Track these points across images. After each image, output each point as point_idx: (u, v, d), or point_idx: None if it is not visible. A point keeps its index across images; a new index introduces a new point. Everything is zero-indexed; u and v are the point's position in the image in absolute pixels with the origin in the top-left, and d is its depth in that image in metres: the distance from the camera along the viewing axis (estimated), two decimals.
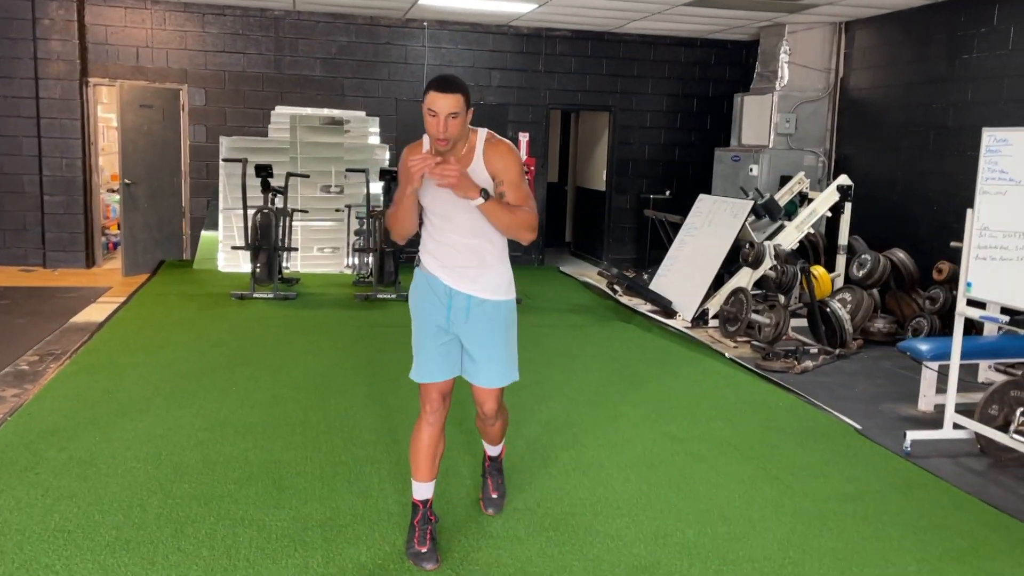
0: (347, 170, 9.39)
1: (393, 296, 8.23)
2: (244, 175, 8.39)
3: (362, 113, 10.15)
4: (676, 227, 8.87)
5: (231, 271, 9.49)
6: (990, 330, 5.66)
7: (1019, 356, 5.22)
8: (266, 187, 8.15)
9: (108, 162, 10.90)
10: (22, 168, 9.39)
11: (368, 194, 8.93)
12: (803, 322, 7.22)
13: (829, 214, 7.66)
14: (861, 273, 7.17)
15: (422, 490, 3.23)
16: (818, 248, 8.31)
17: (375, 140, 10.16)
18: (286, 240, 8.43)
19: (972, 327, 4.75)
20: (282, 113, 9.94)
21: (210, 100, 9.92)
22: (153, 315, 7.27)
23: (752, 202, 7.87)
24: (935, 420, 5.04)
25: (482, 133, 3.06)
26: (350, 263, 9.82)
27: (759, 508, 3.80)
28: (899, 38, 8.44)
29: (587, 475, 4.10)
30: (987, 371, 5.80)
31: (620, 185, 11.16)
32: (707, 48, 11.02)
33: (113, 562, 3.09)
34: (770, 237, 7.64)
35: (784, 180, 8.73)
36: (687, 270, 8.09)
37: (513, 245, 3.21)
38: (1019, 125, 5.00)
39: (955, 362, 4.67)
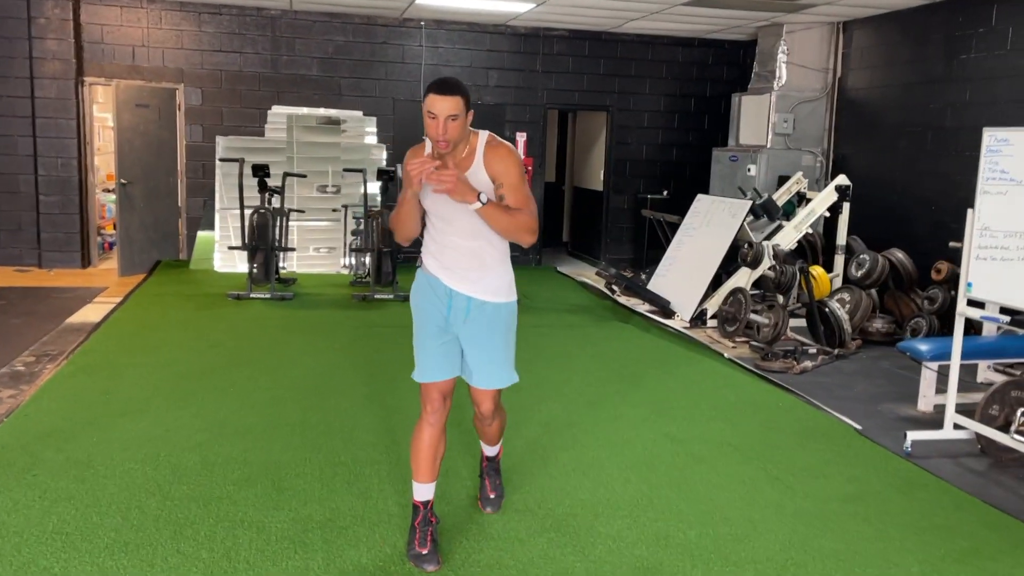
0: (344, 170, 9.36)
1: (391, 296, 8.21)
2: (241, 175, 8.36)
3: (359, 113, 10.13)
4: (674, 227, 8.86)
5: (227, 271, 9.45)
6: (989, 330, 5.66)
7: (1018, 356, 5.22)
8: (263, 187, 8.13)
9: (104, 162, 10.86)
10: (17, 168, 9.35)
11: (366, 194, 8.91)
12: (802, 322, 7.22)
13: (827, 214, 7.66)
14: (860, 273, 7.17)
15: (423, 491, 3.22)
16: (816, 248, 8.31)
17: (372, 140, 10.14)
18: (283, 240, 8.41)
19: (971, 327, 4.74)
20: (279, 113, 9.91)
21: (206, 100, 9.89)
22: (150, 315, 7.24)
23: (750, 202, 7.87)
24: (935, 420, 5.04)
25: (483, 135, 3.06)
26: (347, 263, 9.79)
27: (760, 509, 3.79)
28: (897, 38, 8.45)
29: (587, 476, 4.09)
30: (986, 371, 5.80)
31: (618, 185, 11.15)
32: (705, 48, 11.02)
33: (112, 564, 3.07)
34: (768, 237, 7.64)
35: (782, 180, 8.73)
36: (685, 270, 8.08)
37: (511, 245, 3.20)
38: (1017, 125, 5.00)
39: (955, 362, 4.66)
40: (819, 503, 3.88)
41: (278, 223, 8.24)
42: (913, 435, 4.57)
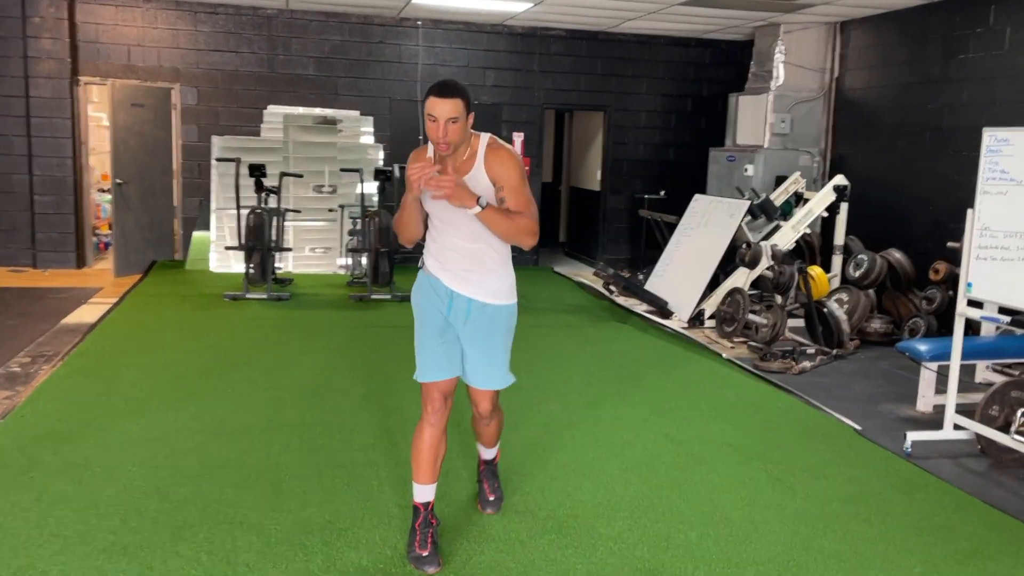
0: (342, 169, 9.34)
1: (388, 297, 8.18)
2: (237, 175, 8.33)
3: (356, 112, 10.10)
4: (671, 227, 8.86)
5: (223, 271, 9.42)
6: (987, 330, 5.66)
7: (1017, 356, 5.22)
8: (259, 187, 8.09)
9: (99, 161, 10.82)
10: (12, 168, 9.31)
11: (363, 194, 8.89)
12: (799, 322, 7.22)
13: (825, 214, 7.65)
14: (858, 273, 7.16)
15: (423, 492, 3.21)
16: (814, 248, 8.30)
17: (369, 140, 10.11)
18: (279, 240, 8.38)
19: (969, 327, 4.74)
20: (275, 112, 9.88)
21: (202, 99, 9.85)
22: (146, 316, 7.21)
23: (748, 202, 7.86)
24: (934, 421, 5.04)
25: (484, 138, 3.07)
26: (344, 263, 9.76)
27: (761, 510, 3.78)
28: (895, 38, 8.45)
29: (588, 477, 4.07)
30: (985, 371, 5.80)
31: (615, 185, 11.14)
32: (702, 48, 11.01)
33: (111, 567, 3.05)
34: (766, 237, 7.63)
35: (779, 180, 8.73)
36: (683, 270, 8.08)
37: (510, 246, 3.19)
38: (1016, 125, 4.99)
39: (955, 363, 4.66)
40: (820, 504, 3.87)
41: (274, 223, 8.21)
42: (913, 435, 4.56)
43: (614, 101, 10.92)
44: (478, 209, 2.92)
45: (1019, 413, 4.27)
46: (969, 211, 4.52)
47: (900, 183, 8.31)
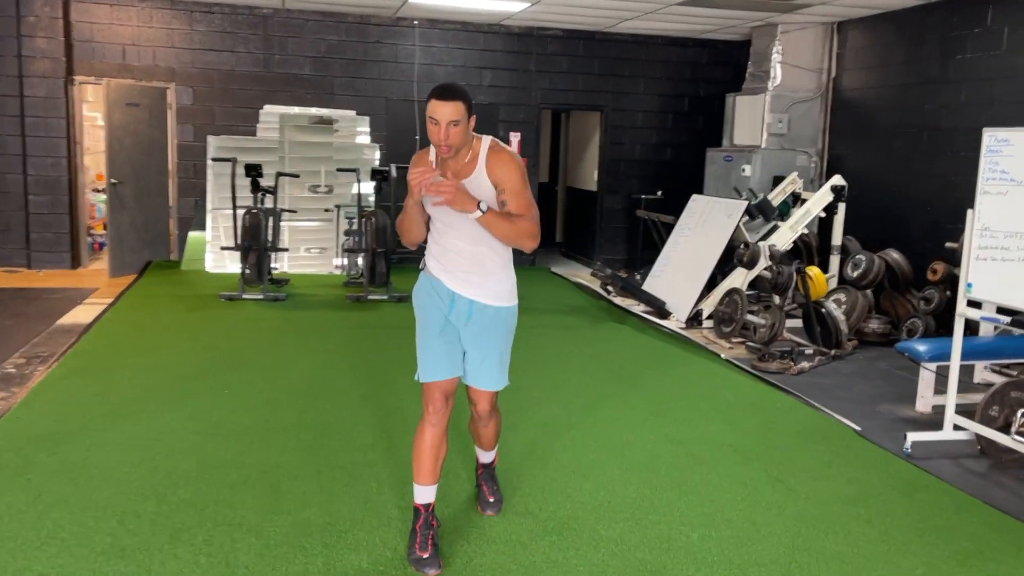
0: (339, 169, 9.31)
1: (385, 297, 8.16)
2: (233, 175, 8.30)
3: (352, 112, 10.07)
4: (668, 227, 8.85)
5: (218, 272, 9.38)
6: (985, 330, 5.66)
7: (1016, 357, 5.22)
8: (256, 187, 8.06)
9: (93, 161, 10.78)
10: (6, 167, 9.26)
11: (360, 194, 8.87)
12: (796, 322, 7.21)
13: (823, 214, 7.65)
14: (856, 273, 7.15)
15: (424, 494, 3.19)
16: (811, 248, 8.30)
17: (365, 139, 10.09)
18: (276, 241, 8.35)
19: (967, 328, 4.74)
20: (271, 112, 9.84)
21: (198, 99, 9.81)
22: (142, 317, 7.17)
23: (746, 202, 7.86)
24: (933, 421, 5.03)
25: (486, 141, 3.09)
26: (340, 263, 9.73)
27: (762, 511, 3.77)
28: (892, 38, 8.45)
29: (588, 478, 4.05)
30: (983, 372, 5.80)
31: (612, 185, 11.13)
32: (699, 48, 11.01)
33: (109, 570, 3.02)
34: (764, 238, 7.62)
35: (777, 180, 8.72)
36: (681, 271, 8.07)
37: None
38: (1013, 125, 4.98)
39: (955, 363, 4.65)
40: (821, 505, 3.86)
41: (270, 223, 8.17)
42: (913, 436, 4.55)
43: (611, 101, 10.91)
44: (479, 213, 2.94)
45: (1019, 414, 4.26)
46: (969, 211, 4.51)
47: (897, 183, 8.31)
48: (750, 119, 9.41)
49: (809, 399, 5.45)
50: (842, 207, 7.62)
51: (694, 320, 7.51)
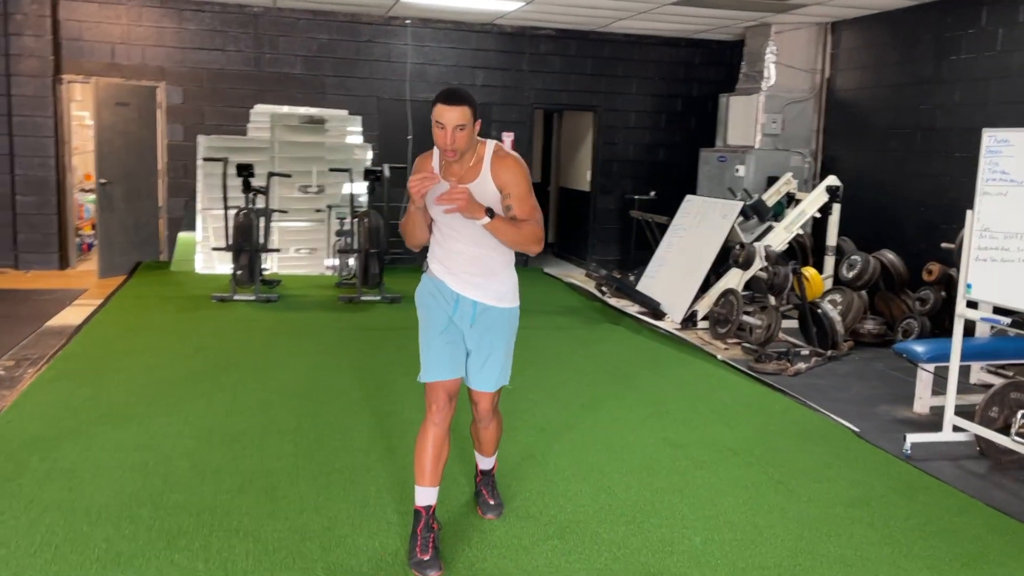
0: (331, 169, 9.24)
1: (378, 298, 8.10)
2: (225, 175, 8.22)
3: (344, 112, 10.00)
4: (662, 228, 8.82)
5: (208, 273, 9.30)
6: (981, 331, 5.66)
7: (1014, 357, 5.22)
8: (247, 187, 7.99)
9: (81, 161, 10.67)
10: None
11: (352, 194, 8.80)
12: (791, 323, 7.20)
13: (818, 215, 7.64)
14: (851, 274, 7.15)
15: (425, 496, 3.16)
16: (806, 249, 8.29)
17: (357, 139, 10.02)
18: (267, 241, 8.27)
19: (964, 328, 4.73)
20: (262, 112, 9.76)
21: (188, 98, 9.72)
22: (132, 318, 7.09)
23: (741, 203, 7.84)
24: (931, 422, 5.02)
25: (490, 145, 3.12)
26: (331, 264, 9.66)
27: (764, 514, 3.74)
28: (886, 39, 8.45)
29: (588, 481, 4.02)
30: (979, 372, 5.80)
31: (605, 186, 11.10)
32: (692, 48, 10.99)
33: None
34: (759, 238, 7.61)
35: (771, 181, 8.71)
36: (675, 271, 8.04)
37: None
38: (1008, 126, 4.97)
39: (955, 364, 4.64)
40: (823, 507, 3.83)
41: (261, 224, 8.10)
42: (912, 437, 4.54)
43: (604, 101, 10.88)
44: (487, 220, 2.97)
45: (1019, 415, 4.25)
46: (969, 212, 4.50)
47: (892, 184, 8.31)
48: (744, 119, 9.40)
49: (807, 400, 5.43)
50: (837, 208, 7.61)
51: (689, 321, 7.49)
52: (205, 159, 9.05)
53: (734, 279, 7.36)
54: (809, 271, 7.33)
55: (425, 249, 3.28)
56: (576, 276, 10.21)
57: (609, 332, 7.36)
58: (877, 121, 8.56)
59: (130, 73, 9.50)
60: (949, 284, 6.64)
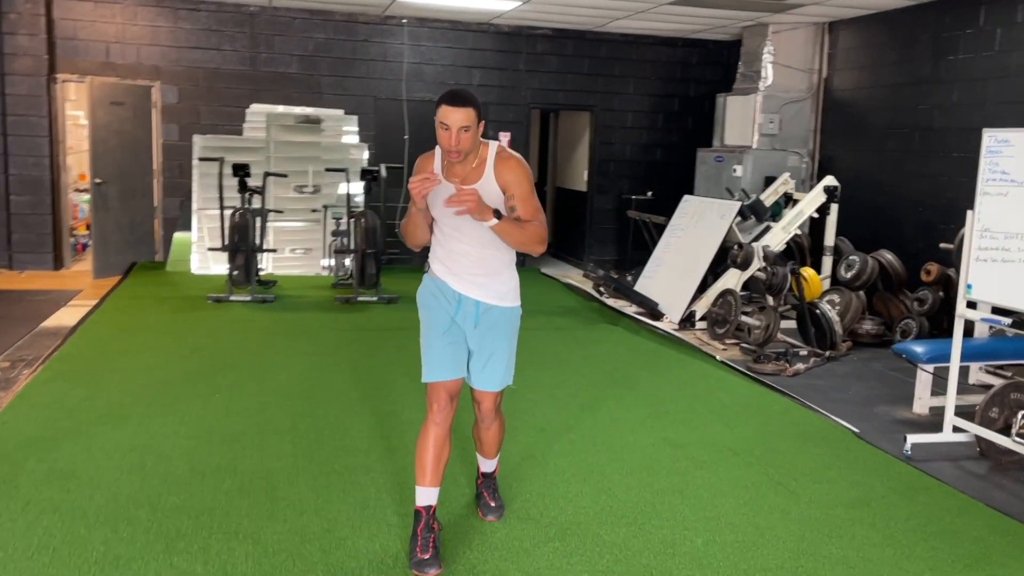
0: (328, 169, 9.21)
1: (375, 299, 8.07)
2: (221, 175, 8.19)
3: (340, 111, 9.97)
4: (660, 228, 8.81)
5: (203, 273, 9.26)
6: (980, 331, 5.65)
7: (1013, 358, 5.21)
8: (244, 187, 7.95)
9: (76, 161, 10.62)
10: None
11: (348, 194, 8.77)
12: (790, 324, 7.19)
13: (816, 215, 7.63)
14: (849, 274, 7.14)
15: (426, 496, 3.15)
16: (804, 249, 8.29)
17: (354, 139, 9.99)
18: (263, 241, 8.24)
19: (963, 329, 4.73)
20: (257, 111, 9.73)
21: (183, 97, 9.69)
22: (128, 319, 7.06)
23: (739, 203, 7.83)
24: (931, 423, 5.02)
25: (493, 146, 3.12)
26: (327, 264, 9.63)
27: (765, 515, 3.73)
28: (884, 39, 8.45)
29: (588, 482, 4.00)
30: (978, 373, 5.79)
31: (602, 186, 11.09)
32: (689, 48, 10.99)
33: None
34: (756, 238, 7.60)
35: (768, 181, 8.71)
36: (673, 271, 8.03)
37: None
38: (1006, 126, 4.96)
39: (955, 364, 4.63)
40: (824, 508, 3.82)
41: (257, 224, 8.07)
42: (912, 438, 4.53)
43: (601, 101, 10.87)
44: (494, 221, 2.97)
45: (1019, 415, 4.25)
46: (969, 212, 4.50)
47: (890, 184, 8.31)
48: (741, 119, 9.40)
49: (806, 401, 5.42)
50: (835, 208, 7.61)
51: (687, 321, 7.48)
52: (201, 159, 9.01)
53: (732, 279, 7.35)
54: (807, 271, 7.32)
55: (424, 249, 3.27)
56: (573, 276, 10.20)
57: (607, 332, 7.35)
58: (875, 121, 8.56)
59: (125, 72, 9.45)
60: (947, 284, 6.64)
